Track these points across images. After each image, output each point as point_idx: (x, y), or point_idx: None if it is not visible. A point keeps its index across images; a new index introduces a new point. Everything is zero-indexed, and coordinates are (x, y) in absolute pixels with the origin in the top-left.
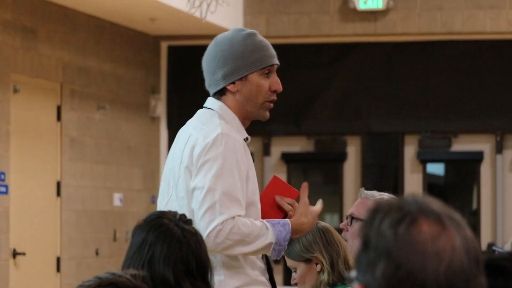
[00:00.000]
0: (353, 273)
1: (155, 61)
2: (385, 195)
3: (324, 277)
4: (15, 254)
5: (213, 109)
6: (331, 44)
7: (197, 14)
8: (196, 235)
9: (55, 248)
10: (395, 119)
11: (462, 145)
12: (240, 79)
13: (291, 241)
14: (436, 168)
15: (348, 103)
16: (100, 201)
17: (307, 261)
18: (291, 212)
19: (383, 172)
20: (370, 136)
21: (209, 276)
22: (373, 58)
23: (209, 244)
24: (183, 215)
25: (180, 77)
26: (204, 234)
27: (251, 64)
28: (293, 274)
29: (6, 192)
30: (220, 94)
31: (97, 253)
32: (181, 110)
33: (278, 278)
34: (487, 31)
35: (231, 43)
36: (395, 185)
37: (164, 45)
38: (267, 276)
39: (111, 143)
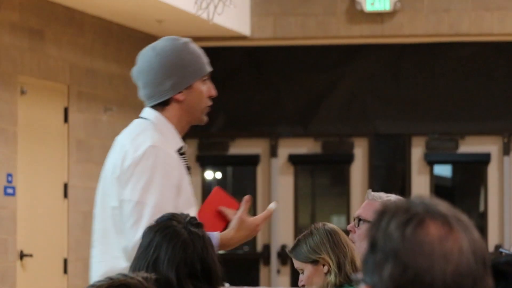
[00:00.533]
0: (360, 275)
1: None
2: (393, 197)
3: (331, 278)
4: (22, 255)
5: (148, 119)
6: (338, 46)
7: (204, 15)
8: (203, 238)
9: (62, 250)
10: (402, 120)
11: (470, 146)
12: (186, 87)
13: (298, 243)
14: (444, 170)
15: (355, 105)
16: None
17: (314, 262)
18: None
19: (390, 174)
20: (377, 138)
21: (216, 279)
22: (380, 59)
23: (133, 257)
24: (193, 218)
25: None
26: (129, 247)
27: (195, 72)
28: (300, 276)
29: (13, 194)
30: (162, 104)
31: None
32: None
33: (285, 280)
34: (494, 32)
35: (177, 53)
36: (402, 186)
37: None
38: None
39: None
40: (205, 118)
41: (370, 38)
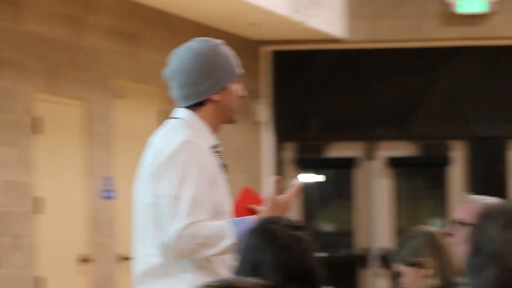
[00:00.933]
0: (463, 278)
1: (257, 66)
2: (491, 200)
3: (432, 281)
4: (121, 258)
5: (181, 119)
6: (434, 48)
7: (298, 18)
8: (303, 241)
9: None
10: (500, 123)
11: None
12: (222, 88)
13: (399, 246)
14: None
15: (453, 107)
16: None
17: (415, 265)
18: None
19: (488, 177)
20: (474, 140)
21: (317, 282)
22: (476, 62)
23: (174, 250)
24: (293, 221)
25: (283, 82)
26: (168, 241)
27: (230, 73)
28: (401, 279)
29: (112, 197)
30: (197, 104)
31: None
32: (285, 115)
33: (385, 283)
34: None
35: (213, 54)
36: (500, 189)
37: (264, 50)
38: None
39: None
40: (236, 118)
41: (466, 41)
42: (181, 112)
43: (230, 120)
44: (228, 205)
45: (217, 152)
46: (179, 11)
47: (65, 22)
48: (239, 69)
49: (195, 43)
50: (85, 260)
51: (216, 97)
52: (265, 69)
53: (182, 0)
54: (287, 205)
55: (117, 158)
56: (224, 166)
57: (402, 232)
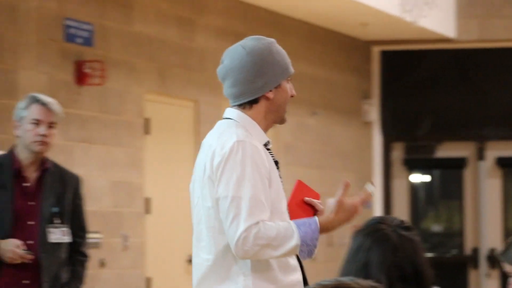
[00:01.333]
0: None
1: (367, 66)
2: None
3: None
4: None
5: (231, 119)
6: None
7: (408, 18)
8: (413, 241)
9: None
10: None
11: None
12: (276, 86)
13: (508, 246)
14: None
15: None
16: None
17: None
18: (322, 207)
19: None
20: None
21: (427, 283)
22: None
23: (238, 252)
24: (403, 221)
25: (393, 82)
26: (232, 243)
27: (283, 71)
28: (510, 279)
29: None
30: (251, 102)
31: (313, 259)
32: (394, 115)
33: (495, 283)
34: None
35: (268, 52)
36: None
37: (375, 50)
38: (300, 274)
39: (325, 148)
40: (285, 118)
41: None
42: (232, 112)
43: (281, 120)
44: (284, 202)
45: (269, 149)
46: (288, 11)
47: (176, 23)
48: (291, 68)
49: (248, 41)
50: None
51: (270, 95)
52: (375, 69)
53: (291, 0)
54: (355, 209)
55: None
56: (277, 163)
57: (511, 233)
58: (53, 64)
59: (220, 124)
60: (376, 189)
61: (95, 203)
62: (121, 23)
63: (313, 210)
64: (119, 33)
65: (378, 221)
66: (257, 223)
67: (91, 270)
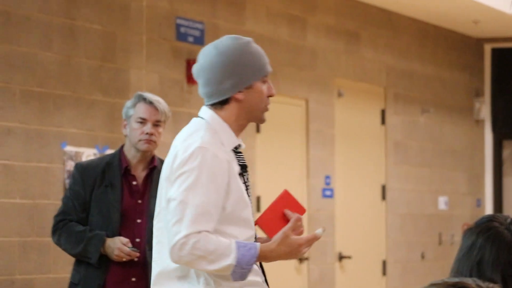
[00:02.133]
0: None
1: (479, 64)
2: None
3: None
4: (341, 257)
5: (204, 119)
6: None
7: None
8: None
9: (380, 252)
10: None
11: None
12: (246, 87)
13: None
14: None
15: None
16: (424, 204)
17: None
18: (301, 229)
19: None
20: None
21: None
22: None
23: (173, 256)
24: None
25: (504, 80)
26: (169, 245)
27: (256, 72)
28: None
29: (331, 196)
30: (221, 102)
31: (422, 257)
32: (505, 113)
33: None
34: None
35: (238, 52)
36: None
37: (487, 48)
38: (263, 277)
39: (435, 147)
40: (263, 118)
41: None
42: (204, 111)
43: (257, 120)
44: (249, 210)
45: (239, 153)
46: (399, 9)
47: (287, 22)
48: (267, 68)
49: (223, 41)
50: (303, 258)
51: (239, 96)
52: (487, 67)
53: None
54: (299, 248)
55: (337, 157)
56: (245, 168)
57: None
58: (164, 63)
59: (191, 124)
60: (326, 236)
61: None
62: (232, 21)
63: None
64: (230, 31)
65: (490, 219)
66: (199, 232)
67: None
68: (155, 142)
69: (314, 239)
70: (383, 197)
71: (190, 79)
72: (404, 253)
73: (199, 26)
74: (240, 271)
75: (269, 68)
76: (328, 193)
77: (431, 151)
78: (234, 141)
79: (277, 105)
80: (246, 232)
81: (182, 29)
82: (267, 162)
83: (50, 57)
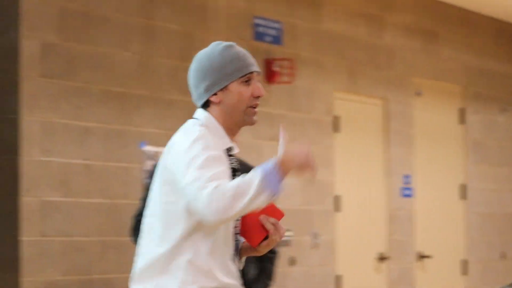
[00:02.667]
0: None
1: None
2: None
3: None
4: (421, 256)
5: (198, 119)
6: None
7: None
8: None
9: (460, 251)
10: None
11: None
12: (221, 89)
13: None
14: None
15: None
16: (504, 203)
17: None
18: (272, 232)
19: None
20: None
21: None
22: None
23: (211, 214)
24: None
25: None
26: (203, 211)
27: (229, 74)
28: None
29: (411, 195)
30: (205, 106)
31: (503, 256)
32: None
33: None
34: None
35: (209, 57)
36: None
37: None
38: (240, 281)
39: None
40: (251, 119)
41: None
42: (199, 113)
43: (242, 121)
44: None
45: (230, 155)
46: (477, 7)
47: (364, 21)
48: (246, 69)
49: (204, 49)
50: (383, 258)
51: (214, 99)
52: None
53: None
54: (305, 150)
55: (416, 156)
56: (234, 170)
57: None
58: None
59: (186, 124)
60: None
61: (286, 201)
62: (310, 21)
63: (266, 230)
64: (308, 31)
65: None
66: (218, 185)
67: (281, 268)
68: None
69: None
70: (463, 196)
71: (268, 79)
72: (484, 253)
73: (276, 25)
74: (270, 181)
75: (249, 70)
76: (407, 192)
77: (509, 150)
78: (225, 142)
79: (355, 104)
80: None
81: (260, 29)
82: (346, 162)
83: (129, 57)
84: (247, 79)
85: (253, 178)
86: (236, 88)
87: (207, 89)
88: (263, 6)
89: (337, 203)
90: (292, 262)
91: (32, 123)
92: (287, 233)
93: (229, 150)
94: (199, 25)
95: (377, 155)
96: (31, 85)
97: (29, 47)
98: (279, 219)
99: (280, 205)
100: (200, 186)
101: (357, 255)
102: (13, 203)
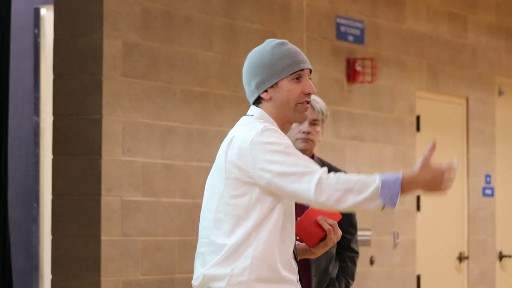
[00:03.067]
0: None
1: None
2: None
3: None
4: (501, 256)
5: (253, 115)
6: None
7: None
8: None
9: None
10: None
11: None
12: (272, 86)
13: None
14: None
15: None
16: None
17: None
18: (330, 232)
19: None
20: None
21: None
22: None
23: (320, 199)
24: None
25: None
26: (311, 194)
27: (279, 71)
28: None
29: (492, 195)
30: (257, 103)
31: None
32: None
33: None
34: None
35: (260, 54)
36: None
37: None
38: (297, 276)
39: None
40: (302, 116)
41: None
42: (252, 109)
43: (291, 118)
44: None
45: None
46: None
47: (447, 20)
48: (296, 67)
49: (257, 47)
50: (463, 258)
51: (265, 96)
52: None
53: None
54: (441, 173)
55: (497, 156)
56: None
57: None
58: (325, 62)
59: (242, 120)
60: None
61: None
62: (392, 20)
63: (324, 231)
64: (390, 30)
65: None
66: (326, 176)
67: (362, 268)
68: (312, 140)
69: (451, 167)
70: None
71: (350, 78)
72: None
73: (359, 25)
74: (388, 193)
75: (300, 67)
76: (488, 192)
77: None
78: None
79: (437, 103)
80: (289, 226)
81: (342, 28)
82: None
83: (211, 56)
84: (297, 76)
85: (372, 181)
86: (286, 85)
87: (257, 86)
88: (345, 6)
89: (417, 202)
90: (372, 261)
91: (114, 122)
92: (366, 233)
93: None
94: (281, 24)
95: (458, 154)
96: (114, 85)
97: (111, 47)
98: (336, 221)
99: None
100: (303, 173)
101: (437, 254)
102: (94, 202)
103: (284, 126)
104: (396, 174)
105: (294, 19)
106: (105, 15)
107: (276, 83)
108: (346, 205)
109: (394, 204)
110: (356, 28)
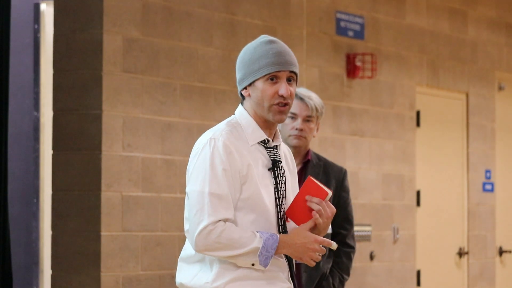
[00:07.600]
0: None
1: None
2: None
3: None
4: (501, 252)
5: (234, 114)
6: None
7: None
8: None
9: None
10: None
11: None
12: (250, 84)
13: None
14: None
15: None
16: None
17: None
18: (320, 212)
19: None
20: None
21: None
22: None
23: (198, 244)
24: None
25: None
26: (194, 235)
27: (256, 71)
28: None
29: (492, 190)
30: (243, 98)
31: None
32: None
33: None
34: None
35: (245, 51)
36: None
37: None
38: (288, 273)
39: None
40: (277, 117)
41: None
42: (238, 108)
43: (267, 118)
44: (268, 200)
45: (268, 148)
46: None
47: (447, 15)
48: (271, 68)
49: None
50: (463, 253)
51: (244, 93)
52: None
53: None
54: (314, 242)
55: (497, 151)
56: (276, 162)
57: None
58: (325, 57)
59: (224, 122)
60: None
61: (366, 196)
62: (393, 15)
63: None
64: (390, 25)
65: None
66: (224, 221)
67: (361, 263)
68: (305, 137)
69: (328, 242)
70: None
71: (350, 74)
72: None
73: (359, 20)
74: (265, 254)
75: (275, 69)
76: (488, 187)
77: None
78: (258, 135)
79: (437, 98)
80: (260, 225)
81: (342, 24)
82: (427, 156)
83: (211, 52)
84: (272, 77)
85: (253, 241)
86: (260, 85)
87: (239, 82)
88: (345, 1)
89: (417, 198)
90: (372, 257)
91: (114, 118)
92: (366, 228)
93: (265, 142)
94: (281, 19)
95: (458, 150)
96: (114, 80)
97: (111, 42)
98: (323, 198)
99: (359, 200)
100: (201, 219)
101: (437, 250)
102: (95, 198)
103: (265, 124)
104: (275, 237)
105: (294, 14)
106: (105, 10)
107: (253, 82)
108: (216, 255)
109: (266, 266)
110: (356, 23)
